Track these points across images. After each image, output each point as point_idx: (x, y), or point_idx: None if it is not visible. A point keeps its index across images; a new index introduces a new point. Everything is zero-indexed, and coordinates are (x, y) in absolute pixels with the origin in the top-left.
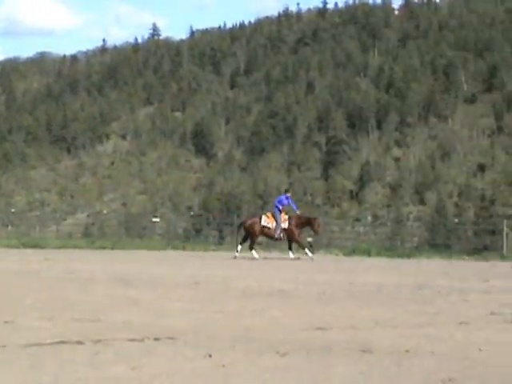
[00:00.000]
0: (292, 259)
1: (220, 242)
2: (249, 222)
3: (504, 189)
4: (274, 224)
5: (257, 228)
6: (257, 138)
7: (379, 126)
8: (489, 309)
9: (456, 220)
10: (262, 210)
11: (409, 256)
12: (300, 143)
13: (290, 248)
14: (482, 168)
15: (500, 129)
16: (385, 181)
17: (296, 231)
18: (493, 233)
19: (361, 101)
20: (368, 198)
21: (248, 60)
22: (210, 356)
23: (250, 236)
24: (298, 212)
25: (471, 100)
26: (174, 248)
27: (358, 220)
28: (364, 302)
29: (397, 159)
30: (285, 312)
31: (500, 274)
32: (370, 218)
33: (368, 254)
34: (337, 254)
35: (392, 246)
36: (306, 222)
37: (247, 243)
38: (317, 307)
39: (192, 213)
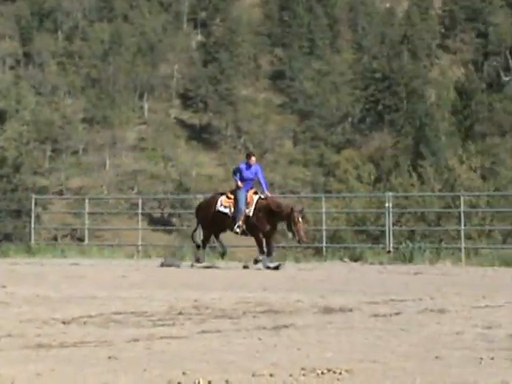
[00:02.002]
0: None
1: None
2: (201, 205)
3: (35, 147)
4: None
5: (208, 215)
6: None
7: None
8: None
9: None
10: None
11: None
12: None
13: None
14: (1, 116)
15: (28, 56)
16: None
17: (262, 223)
18: (18, 214)
19: None
20: None
21: None
22: None
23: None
24: (267, 192)
25: None
26: None
27: None
28: None
29: None
30: None
31: (22, 275)
32: None
33: None
34: None
35: None
36: (277, 212)
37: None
38: None
39: None
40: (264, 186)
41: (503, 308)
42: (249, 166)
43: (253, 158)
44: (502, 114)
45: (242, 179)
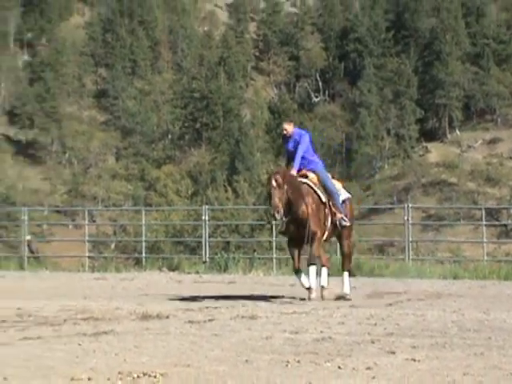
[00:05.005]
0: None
1: None
2: None
3: None
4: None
5: None
6: None
7: None
8: None
9: None
10: None
11: None
12: None
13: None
14: None
15: None
16: None
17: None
18: None
19: None
20: None
21: None
22: None
23: None
24: (293, 170)
25: None
26: None
27: None
28: None
29: None
30: None
31: None
32: None
33: None
34: None
35: None
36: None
37: None
38: None
39: None
40: (296, 161)
41: (310, 314)
42: (288, 138)
43: (285, 126)
44: (312, 133)
45: (289, 158)
